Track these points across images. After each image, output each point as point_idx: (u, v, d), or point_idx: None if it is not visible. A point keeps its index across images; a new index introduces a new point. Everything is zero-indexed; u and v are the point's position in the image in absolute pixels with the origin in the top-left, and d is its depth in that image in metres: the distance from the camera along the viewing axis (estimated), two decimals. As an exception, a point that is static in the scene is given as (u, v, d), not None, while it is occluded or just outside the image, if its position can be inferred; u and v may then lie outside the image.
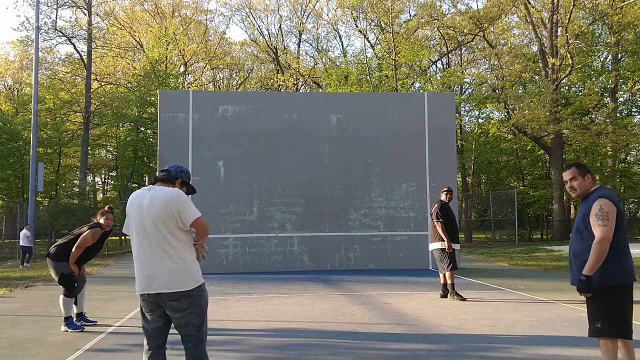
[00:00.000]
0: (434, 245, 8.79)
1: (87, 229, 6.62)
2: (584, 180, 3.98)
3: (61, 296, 6.63)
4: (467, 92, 36.18)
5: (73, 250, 6.51)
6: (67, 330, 6.50)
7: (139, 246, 3.45)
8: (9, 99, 38.86)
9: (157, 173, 3.51)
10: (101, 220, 6.72)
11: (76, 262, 6.56)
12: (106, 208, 6.94)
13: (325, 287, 10.60)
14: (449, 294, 8.63)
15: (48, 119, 32.58)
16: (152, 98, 28.71)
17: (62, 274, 6.59)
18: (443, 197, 8.91)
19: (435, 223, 8.67)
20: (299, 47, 43.21)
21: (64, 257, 6.58)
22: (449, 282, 8.66)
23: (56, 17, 31.43)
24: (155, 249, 3.39)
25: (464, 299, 8.41)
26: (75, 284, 6.66)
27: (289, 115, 14.58)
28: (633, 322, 3.86)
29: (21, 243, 18.21)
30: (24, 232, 18.29)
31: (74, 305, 6.78)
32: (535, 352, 5.29)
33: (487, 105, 33.10)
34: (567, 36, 26.78)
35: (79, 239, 6.53)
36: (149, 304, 3.44)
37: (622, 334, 3.81)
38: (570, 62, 27.83)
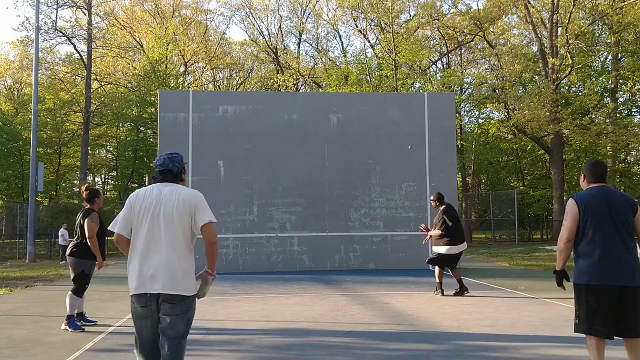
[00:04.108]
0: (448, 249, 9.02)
1: (85, 219, 6.63)
2: (580, 178, 4.25)
3: (70, 293, 6.63)
4: (467, 92, 36.15)
5: (89, 243, 6.53)
6: (67, 329, 6.50)
7: (146, 243, 3.32)
8: (9, 99, 38.83)
9: (157, 173, 3.54)
10: (94, 204, 6.83)
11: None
12: (87, 189, 6.99)
13: (325, 287, 10.60)
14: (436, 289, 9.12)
15: (48, 119, 32.57)
16: (152, 98, 28.70)
17: (82, 271, 6.62)
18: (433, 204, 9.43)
19: (440, 223, 9.01)
20: (299, 47, 43.23)
21: (86, 253, 6.60)
22: (437, 280, 9.15)
23: (56, 17, 31.37)
24: (165, 248, 3.30)
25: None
26: (87, 286, 6.70)
27: (289, 115, 14.58)
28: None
29: (60, 242, 19.87)
30: (61, 232, 19.93)
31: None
32: (535, 352, 5.29)
33: (487, 106, 33.08)
34: (567, 36, 26.77)
35: (86, 231, 6.54)
36: (146, 307, 3.30)
37: (594, 332, 3.90)
38: (570, 62, 27.82)
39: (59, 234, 20.16)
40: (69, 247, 6.90)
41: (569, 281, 4.13)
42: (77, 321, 6.74)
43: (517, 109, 28.75)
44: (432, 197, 9.55)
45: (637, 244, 4.09)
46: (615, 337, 3.91)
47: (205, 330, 6.49)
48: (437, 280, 9.16)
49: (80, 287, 6.64)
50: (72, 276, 6.72)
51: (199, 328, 6.50)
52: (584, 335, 4.02)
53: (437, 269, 9.20)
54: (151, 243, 3.32)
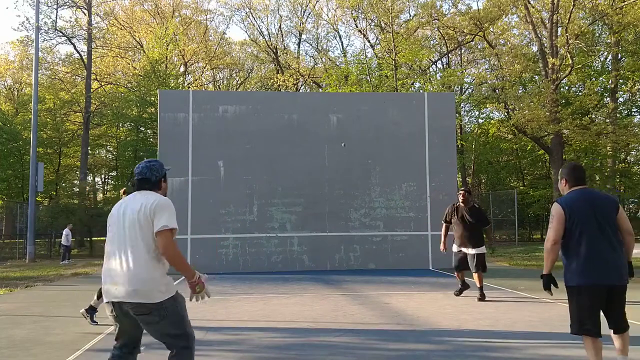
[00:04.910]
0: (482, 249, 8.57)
1: None
2: (560, 183, 4.36)
3: None
4: (467, 92, 36.13)
5: None
6: (85, 315, 6.69)
7: (112, 251, 3.30)
8: (9, 99, 38.82)
9: (134, 180, 3.49)
10: None
11: None
12: (125, 193, 6.91)
13: (325, 287, 10.60)
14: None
15: (48, 119, 32.57)
16: (152, 98, 28.70)
17: None
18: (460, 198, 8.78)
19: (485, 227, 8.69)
20: (299, 47, 43.21)
21: None
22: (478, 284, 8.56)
23: (56, 17, 31.43)
24: (128, 255, 3.20)
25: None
26: None
27: (289, 115, 14.58)
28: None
29: (63, 242, 20.22)
30: (66, 232, 20.16)
31: (95, 298, 6.86)
32: (535, 352, 5.29)
33: (487, 106, 33.06)
34: (567, 36, 26.75)
35: None
36: (112, 315, 3.31)
37: (585, 331, 4.01)
38: (570, 62, 27.78)
39: (64, 234, 20.17)
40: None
41: (557, 286, 4.16)
42: (87, 313, 6.83)
43: (517, 109, 28.72)
44: (464, 190, 8.74)
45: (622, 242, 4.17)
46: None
47: (205, 330, 6.50)
48: (479, 285, 8.50)
49: None
50: None
51: (199, 328, 6.49)
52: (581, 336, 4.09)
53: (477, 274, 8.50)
54: (116, 251, 3.28)
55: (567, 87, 32.69)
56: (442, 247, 8.88)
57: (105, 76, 35.10)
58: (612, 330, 4.09)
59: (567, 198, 4.19)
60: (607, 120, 30.14)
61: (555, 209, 4.14)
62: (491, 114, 35.66)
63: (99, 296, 6.85)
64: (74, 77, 34.84)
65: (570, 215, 4.05)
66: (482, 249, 8.51)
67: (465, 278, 8.84)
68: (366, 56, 34.25)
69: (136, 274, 3.17)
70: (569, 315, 4.15)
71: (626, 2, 26.30)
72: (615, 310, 4.03)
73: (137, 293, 3.15)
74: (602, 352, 4.00)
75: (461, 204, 8.65)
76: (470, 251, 8.49)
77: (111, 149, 38.25)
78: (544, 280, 4.18)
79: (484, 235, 8.75)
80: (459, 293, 8.81)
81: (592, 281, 3.97)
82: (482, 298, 8.43)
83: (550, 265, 4.15)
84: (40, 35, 25.16)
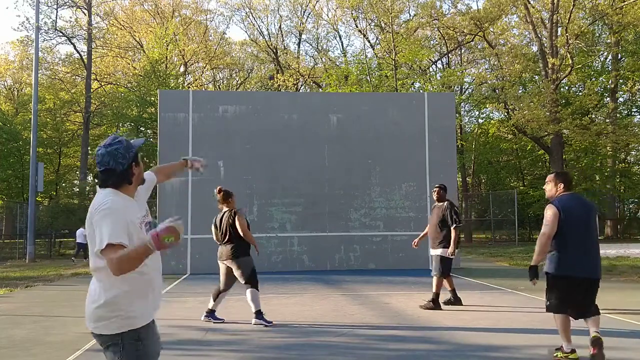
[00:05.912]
0: (446, 251, 7.73)
1: (234, 219, 6.79)
2: (557, 186, 4.90)
3: (250, 290, 6.76)
4: (467, 92, 36.14)
5: (247, 237, 6.80)
6: (261, 324, 6.66)
7: None
8: (9, 99, 38.82)
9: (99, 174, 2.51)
10: (229, 204, 7.02)
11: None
12: (221, 191, 7.07)
13: (325, 287, 10.60)
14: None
15: (48, 119, 32.58)
16: (152, 98, 28.70)
17: (253, 268, 6.84)
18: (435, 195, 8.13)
19: (453, 228, 7.68)
20: (299, 47, 43.22)
21: (245, 251, 6.83)
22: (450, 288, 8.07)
23: (56, 17, 31.44)
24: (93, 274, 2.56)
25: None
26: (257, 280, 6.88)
27: (289, 115, 14.58)
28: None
29: (77, 240, 20.35)
30: (80, 231, 20.19)
31: (212, 301, 6.93)
32: (535, 352, 5.29)
33: (487, 106, 33.07)
34: (567, 36, 26.75)
35: (239, 227, 6.73)
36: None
37: (561, 312, 4.77)
38: (570, 62, 27.79)
39: (82, 234, 20.13)
40: (228, 250, 6.85)
41: (537, 278, 4.89)
42: (205, 317, 6.88)
43: (517, 109, 28.72)
44: (437, 187, 8.09)
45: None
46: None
47: (205, 330, 6.50)
48: (451, 288, 8.00)
49: (256, 282, 6.83)
50: (243, 277, 6.80)
51: (199, 328, 6.50)
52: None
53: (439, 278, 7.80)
54: None
55: (567, 87, 32.70)
56: (414, 243, 8.36)
57: (105, 76, 35.10)
58: (573, 318, 4.81)
59: (561, 200, 4.79)
60: (607, 120, 30.16)
61: (552, 209, 4.72)
62: (491, 114, 35.67)
63: (214, 298, 6.97)
64: (74, 77, 34.85)
65: (564, 215, 4.65)
66: (446, 251, 7.69)
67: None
68: (366, 56, 34.24)
69: (89, 297, 2.52)
70: (547, 296, 4.85)
71: (626, 2, 26.31)
72: (590, 298, 4.74)
73: (88, 320, 2.52)
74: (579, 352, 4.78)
75: (436, 201, 8.07)
76: (432, 252, 7.89)
77: (111, 149, 38.23)
78: (532, 272, 4.85)
79: (453, 237, 7.66)
80: (447, 302, 7.94)
81: (583, 275, 4.68)
82: (435, 305, 7.64)
83: (539, 259, 4.80)
84: (40, 35, 25.17)
